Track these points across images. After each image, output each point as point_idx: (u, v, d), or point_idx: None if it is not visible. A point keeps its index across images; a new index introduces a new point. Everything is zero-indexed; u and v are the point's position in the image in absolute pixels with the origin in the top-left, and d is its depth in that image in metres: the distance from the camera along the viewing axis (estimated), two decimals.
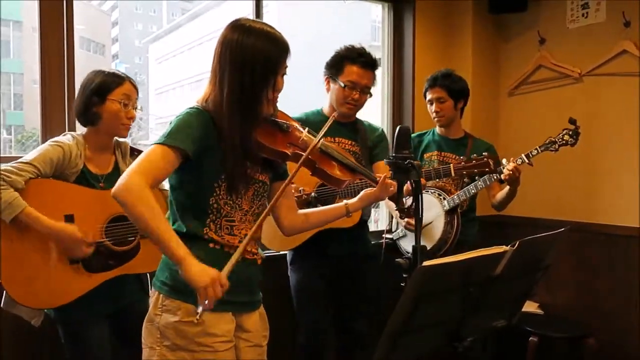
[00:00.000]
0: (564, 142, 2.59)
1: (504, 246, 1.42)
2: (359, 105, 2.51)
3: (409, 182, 1.71)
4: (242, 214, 1.60)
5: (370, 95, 2.53)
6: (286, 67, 1.62)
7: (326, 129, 1.66)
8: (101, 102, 1.96)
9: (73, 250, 1.89)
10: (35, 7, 2.41)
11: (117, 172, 2.06)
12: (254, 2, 3.02)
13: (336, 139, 2.53)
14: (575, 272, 3.22)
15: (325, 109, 2.61)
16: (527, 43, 3.52)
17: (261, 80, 1.55)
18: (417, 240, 1.73)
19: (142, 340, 1.58)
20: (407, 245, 2.82)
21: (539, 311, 3.26)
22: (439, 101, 2.86)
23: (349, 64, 2.46)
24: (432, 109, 2.91)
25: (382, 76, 3.58)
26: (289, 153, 1.62)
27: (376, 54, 2.61)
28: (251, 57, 1.53)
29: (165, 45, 24.91)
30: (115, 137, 2.10)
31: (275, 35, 1.59)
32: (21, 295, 1.87)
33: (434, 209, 2.74)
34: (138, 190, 1.38)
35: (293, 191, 2.31)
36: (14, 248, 1.86)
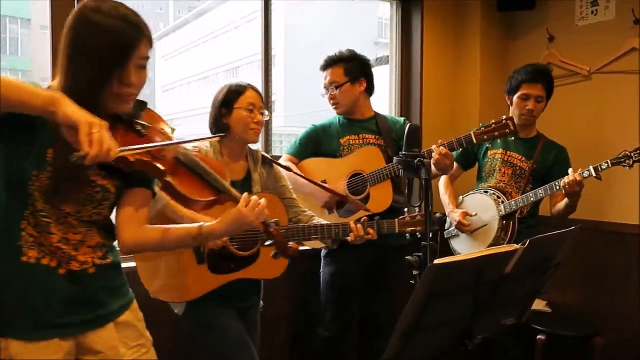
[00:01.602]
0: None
1: (515, 245, 1.43)
2: (337, 101, 2.66)
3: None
4: (60, 215, 1.36)
5: (341, 86, 2.63)
6: (144, 57, 1.35)
7: (194, 139, 1.55)
8: (229, 112, 2.08)
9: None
10: (46, 6, 2.43)
11: (249, 179, 2.16)
12: (263, 1, 3.03)
13: (360, 135, 2.64)
14: (585, 271, 3.19)
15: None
16: (536, 41, 3.50)
17: (101, 69, 1.29)
18: (427, 238, 1.75)
19: None
20: (458, 245, 2.79)
21: (547, 309, 3.25)
22: (538, 100, 2.65)
23: None
24: (525, 105, 2.66)
25: (390, 74, 3.59)
26: (132, 160, 1.33)
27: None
28: (93, 41, 1.28)
29: (172, 43, 24.99)
30: (249, 145, 2.18)
31: (127, 17, 1.32)
32: (154, 289, 2.02)
33: (490, 211, 2.66)
34: None
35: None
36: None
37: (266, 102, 3.06)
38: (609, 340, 2.89)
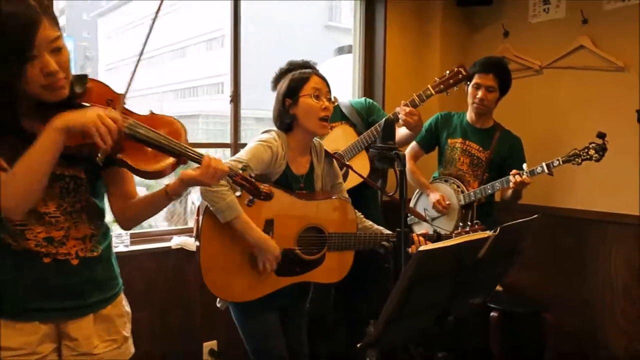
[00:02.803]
0: (588, 156, 2.53)
1: (488, 232, 1.57)
2: None
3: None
4: (38, 216, 1.39)
5: None
6: (53, 39, 1.25)
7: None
8: (295, 102, 2.02)
9: (267, 262, 1.96)
10: None
11: (312, 173, 2.14)
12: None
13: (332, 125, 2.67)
14: (536, 253, 3.37)
15: None
16: (491, 35, 3.69)
17: (8, 64, 1.21)
18: (402, 225, 1.87)
19: None
20: (420, 231, 2.89)
21: (499, 288, 3.46)
22: (488, 90, 2.78)
23: None
24: (476, 94, 2.80)
25: (354, 64, 3.68)
26: (84, 142, 1.32)
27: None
28: None
29: (115, 20, 24.08)
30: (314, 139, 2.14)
31: (12, 5, 1.20)
32: (214, 286, 1.98)
33: (450, 200, 2.82)
34: None
35: None
36: (215, 243, 1.96)
37: (234, 88, 3.09)
38: (557, 316, 3.13)
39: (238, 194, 1.67)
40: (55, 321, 1.45)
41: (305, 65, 2.66)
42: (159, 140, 1.39)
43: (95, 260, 1.50)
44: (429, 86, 2.47)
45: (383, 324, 1.45)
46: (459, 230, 2.16)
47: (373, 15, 3.62)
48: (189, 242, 2.75)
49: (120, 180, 1.56)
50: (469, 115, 2.96)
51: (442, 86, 2.46)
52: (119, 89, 1.47)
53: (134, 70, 1.48)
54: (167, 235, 2.85)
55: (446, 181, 2.90)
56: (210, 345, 2.88)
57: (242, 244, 1.95)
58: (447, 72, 2.48)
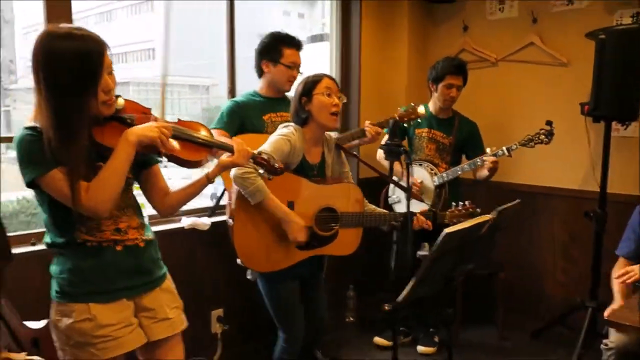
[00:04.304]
0: (539, 140, 3.02)
1: (489, 215, 1.99)
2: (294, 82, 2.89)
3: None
4: None
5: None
6: (110, 64, 1.56)
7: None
8: (309, 100, 2.35)
9: (296, 233, 2.29)
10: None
11: (324, 162, 2.47)
12: None
13: (278, 113, 2.92)
14: None
15: (263, 90, 2.96)
16: (453, 29, 4.11)
17: (79, 87, 1.48)
18: (408, 207, 2.27)
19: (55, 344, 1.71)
20: (400, 209, 3.23)
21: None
22: (458, 88, 3.24)
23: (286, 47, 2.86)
24: (448, 92, 3.23)
25: (330, 56, 3.99)
26: (146, 148, 1.63)
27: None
28: (61, 64, 1.45)
29: None
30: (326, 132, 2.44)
31: (83, 35, 1.49)
32: (247, 259, 2.35)
33: (425, 182, 3.25)
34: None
35: None
36: (247, 222, 2.30)
37: (231, 85, 3.31)
38: (508, 275, 3.65)
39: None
40: (134, 297, 1.75)
41: (291, 37, 2.88)
42: (196, 137, 1.76)
43: (150, 242, 1.82)
44: (395, 115, 2.90)
45: (415, 286, 1.84)
46: (453, 209, 2.54)
47: (349, 10, 3.93)
48: (199, 222, 3.02)
49: (157, 177, 1.87)
50: (433, 108, 3.38)
51: (405, 118, 2.93)
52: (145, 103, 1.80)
53: (163, 90, 1.85)
54: (176, 216, 3.09)
55: (420, 165, 3.32)
56: (217, 312, 3.20)
57: (270, 223, 2.30)
58: (410, 108, 2.92)
